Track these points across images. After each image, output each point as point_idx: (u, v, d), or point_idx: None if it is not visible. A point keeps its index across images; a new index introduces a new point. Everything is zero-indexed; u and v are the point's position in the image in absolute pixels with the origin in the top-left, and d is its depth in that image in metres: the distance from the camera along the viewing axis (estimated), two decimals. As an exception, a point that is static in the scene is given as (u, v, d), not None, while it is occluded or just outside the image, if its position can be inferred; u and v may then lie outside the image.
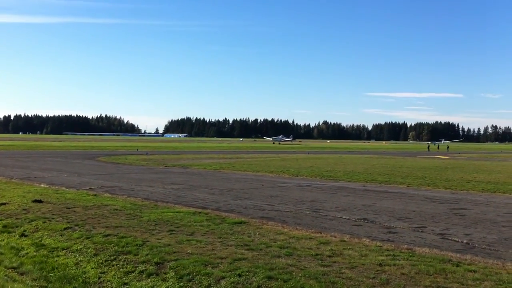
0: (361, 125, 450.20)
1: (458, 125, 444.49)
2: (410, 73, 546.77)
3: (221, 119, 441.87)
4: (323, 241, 11.90)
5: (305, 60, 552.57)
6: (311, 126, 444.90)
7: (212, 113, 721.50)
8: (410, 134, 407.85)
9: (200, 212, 16.01)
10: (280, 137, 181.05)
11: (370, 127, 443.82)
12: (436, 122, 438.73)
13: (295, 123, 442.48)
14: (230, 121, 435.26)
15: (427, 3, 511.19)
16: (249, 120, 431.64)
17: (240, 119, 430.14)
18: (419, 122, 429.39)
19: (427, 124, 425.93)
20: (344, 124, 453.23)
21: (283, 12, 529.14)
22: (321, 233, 12.98)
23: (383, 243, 11.88)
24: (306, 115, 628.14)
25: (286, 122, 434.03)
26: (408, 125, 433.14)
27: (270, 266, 9.51)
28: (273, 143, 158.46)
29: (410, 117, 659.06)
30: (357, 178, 31.09)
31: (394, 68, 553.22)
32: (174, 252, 10.68)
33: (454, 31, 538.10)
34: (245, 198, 20.55)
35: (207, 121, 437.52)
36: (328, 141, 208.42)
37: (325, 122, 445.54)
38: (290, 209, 17.47)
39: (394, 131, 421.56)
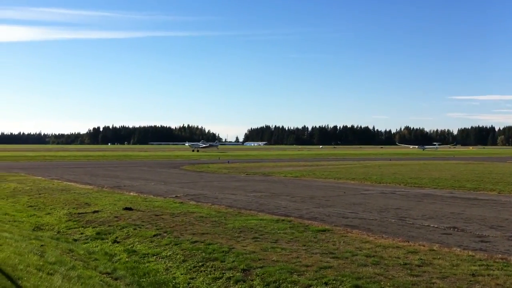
0: (446, 129, 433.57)
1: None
2: (495, 75, 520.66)
3: (300, 126, 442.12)
4: (411, 250, 11.59)
5: (384, 64, 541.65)
6: (392, 132, 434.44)
7: (291, 121, 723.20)
8: (499, 138, 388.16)
9: (283, 220, 16.07)
10: (199, 143, 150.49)
11: (455, 132, 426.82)
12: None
13: (375, 129, 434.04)
14: (309, 128, 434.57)
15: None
16: (328, 127, 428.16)
17: (319, 126, 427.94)
18: (508, 125, 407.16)
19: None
20: (427, 129, 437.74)
21: (360, 16, 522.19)
22: (408, 242, 12.63)
23: (475, 252, 11.38)
24: (387, 121, 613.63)
25: (366, 128, 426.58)
26: (497, 129, 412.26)
27: (357, 275, 9.38)
28: (192, 150, 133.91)
29: (498, 121, 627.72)
30: (443, 185, 29.99)
31: (478, 70, 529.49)
32: (259, 259, 10.79)
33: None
34: (327, 205, 20.40)
35: (286, 128, 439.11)
36: (411, 146, 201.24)
37: (407, 128, 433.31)
38: (375, 217, 17.14)
39: (481, 136, 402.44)
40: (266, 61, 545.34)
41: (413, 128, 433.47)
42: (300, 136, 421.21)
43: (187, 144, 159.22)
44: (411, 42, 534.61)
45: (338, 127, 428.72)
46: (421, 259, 10.65)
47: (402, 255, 11.08)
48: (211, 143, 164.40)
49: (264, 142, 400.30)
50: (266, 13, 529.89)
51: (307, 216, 17.35)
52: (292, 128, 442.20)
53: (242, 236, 13.41)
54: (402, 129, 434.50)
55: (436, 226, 15.29)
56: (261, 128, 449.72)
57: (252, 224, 15.23)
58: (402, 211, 18.78)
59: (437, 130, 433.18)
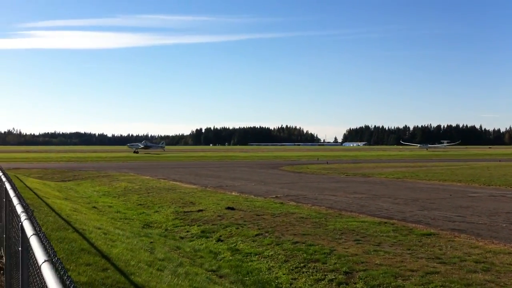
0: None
1: None
2: None
3: (400, 126, 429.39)
4: (526, 257, 10.90)
5: (493, 59, 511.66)
6: (501, 131, 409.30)
7: (391, 121, 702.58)
8: None
9: (385, 223, 15.72)
10: (140, 144, 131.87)
11: None
12: None
13: (482, 128, 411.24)
14: (411, 128, 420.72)
15: None
16: (431, 127, 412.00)
17: (422, 126, 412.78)
18: None
19: None
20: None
21: (460, 11, 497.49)
22: (522, 248, 11.89)
23: None
24: (496, 119, 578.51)
25: (473, 127, 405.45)
26: None
27: (466, 282, 8.99)
28: (135, 151, 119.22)
29: None
30: (561, 188, 27.83)
31: None
32: (362, 262, 10.66)
33: None
34: (432, 208, 19.66)
35: (386, 128, 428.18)
36: (489, 147, 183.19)
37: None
38: (484, 221, 16.27)
39: None
40: (363, 60, 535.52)
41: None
42: (401, 136, 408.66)
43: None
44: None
45: (442, 126, 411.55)
46: (538, 267, 9.99)
47: (516, 262, 10.46)
48: (152, 144, 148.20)
49: (364, 143, 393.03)
50: (352, 12, 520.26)
51: (411, 219, 16.84)
52: (392, 127, 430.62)
53: (344, 238, 13.30)
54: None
55: (553, 232, 14.25)
56: (360, 128, 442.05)
57: (353, 226, 15.05)
58: (514, 215, 17.68)
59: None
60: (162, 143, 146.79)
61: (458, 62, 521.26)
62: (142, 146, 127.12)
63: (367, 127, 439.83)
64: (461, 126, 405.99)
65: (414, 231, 14.16)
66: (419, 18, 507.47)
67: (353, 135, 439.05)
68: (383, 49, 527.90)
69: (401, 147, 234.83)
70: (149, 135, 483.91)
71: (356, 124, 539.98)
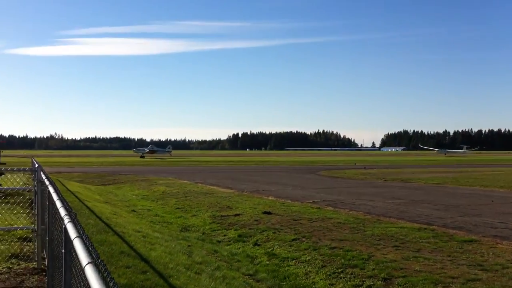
0: None
1: None
2: None
3: (440, 130, 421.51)
4: None
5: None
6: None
7: (430, 125, 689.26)
8: None
9: (425, 229, 15.44)
10: (146, 148, 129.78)
11: None
12: None
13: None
14: (451, 133, 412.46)
15: None
16: (472, 131, 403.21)
17: (462, 131, 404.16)
18: None
19: None
20: None
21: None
22: None
23: None
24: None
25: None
26: None
27: (509, 290, 8.75)
28: (141, 156, 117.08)
29: None
30: None
31: None
32: (401, 269, 10.50)
33: None
34: (473, 214, 19.21)
35: (426, 133, 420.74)
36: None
37: None
38: (528, 228, 15.81)
39: None
40: (401, 63, 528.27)
41: None
42: (441, 141, 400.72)
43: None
44: None
45: (483, 131, 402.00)
46: None
47: (562, 271, 10.12)
48: (159, 148, 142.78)
49: (402, 148, 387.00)
50: (394, 15, 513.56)
51: (451, 225, 16.50)
52: (432, 132, 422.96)
53: (382, 244, 13.13)
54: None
55: None
56: (399, 133, 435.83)
57: (392, 232, 14.85)
58: (560, 222, 17.11)
59: None
60: (169, 148, 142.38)
61: (502, 65, 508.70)
62: (147, 150, 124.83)
63: (405, 132, 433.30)
64: (503, 130, 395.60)
65: (455, 238, 13.88)
66: (458, 21, 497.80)
67: (391, 140, 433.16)
68: (421, 52, 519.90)
69: (419, 152, 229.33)
70: (187, 140, 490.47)
71: (394, 129, 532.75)
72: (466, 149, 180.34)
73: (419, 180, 40.10)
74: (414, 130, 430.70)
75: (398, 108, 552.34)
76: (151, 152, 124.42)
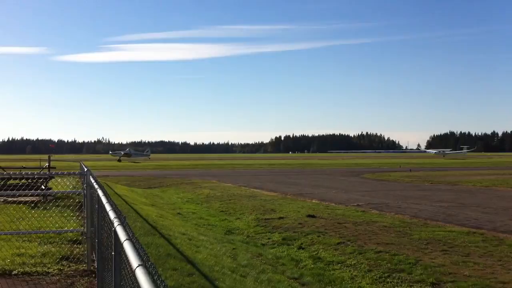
0: None
1: None
2: None
3: (488, 132, 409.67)
4: None
5: None
6: None
7: (478, 126, 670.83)
8: None
9: (474, 232, 15.05)
10: (121, 152, 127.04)
11: None
12: None
13: None
14: (500, 134, 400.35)
15: None
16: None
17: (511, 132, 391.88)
18: None
19: None
20: None
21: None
22: None
23: None
24: None
25: None
26: None
27: None
28: (118, 159, 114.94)
29: None
30: None
31: None
32: (450, 273, 10.27)
33: None
34: (525, 218, 18.59)
35: (473, 134, 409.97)
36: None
37: None
38: None
39: None
40: (448, 64, 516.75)
41: None
42: (489, 143, 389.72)
43: (110, 153, 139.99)
44: None
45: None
46: None
47: None
48: (136, 152, 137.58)
49: (449, 150, 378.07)
50: (437, 16, 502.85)
51: (501, 229, 16.01)
52: (479, 134, 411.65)
53: (430, 248, 12.87)
54: None
55: None
56: (445, 134, 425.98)
57: (439, 235, 14.53)
58: None
59: None
60: (147, 151, 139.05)
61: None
62: (123, 153, 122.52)
63: (452, 133, 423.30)
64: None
65: (505, 242, 13.47)
66: (505, 19, 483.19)
67: (437, 141, 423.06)
68: (465, 52, 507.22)
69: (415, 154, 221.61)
70: (229, 143, 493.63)
71: (440, 130, 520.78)
72: (467, 150, 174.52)
73: (467, 182, 39.10)
74: (461, 132, 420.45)
75: (444, 109, 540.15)
76: (127, 155, 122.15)
